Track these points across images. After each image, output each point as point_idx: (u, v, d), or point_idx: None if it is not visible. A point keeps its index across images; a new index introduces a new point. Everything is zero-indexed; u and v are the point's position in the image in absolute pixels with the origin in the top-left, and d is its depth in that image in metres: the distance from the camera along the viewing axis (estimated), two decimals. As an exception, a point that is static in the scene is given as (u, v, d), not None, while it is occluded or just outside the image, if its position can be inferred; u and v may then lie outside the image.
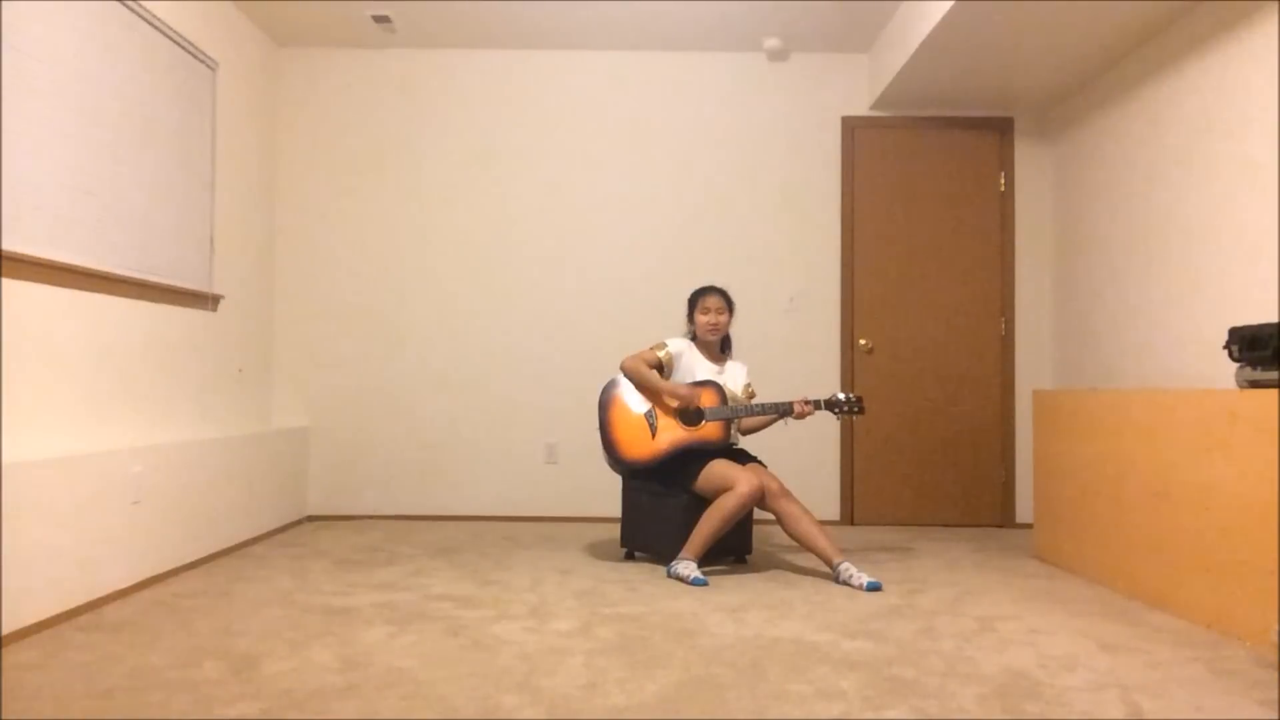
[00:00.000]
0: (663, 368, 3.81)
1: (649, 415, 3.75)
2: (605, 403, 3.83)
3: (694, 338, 3.92)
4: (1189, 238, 3.75)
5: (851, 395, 3.73)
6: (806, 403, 3.67)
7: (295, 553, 4.01)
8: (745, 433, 3.88)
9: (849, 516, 5.02)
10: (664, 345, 3.84)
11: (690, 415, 3.72)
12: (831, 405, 3.70)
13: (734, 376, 3.88)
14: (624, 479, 3.92)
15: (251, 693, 2.18)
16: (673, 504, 3.70)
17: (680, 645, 2.60)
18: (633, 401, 3.79)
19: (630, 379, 3.81)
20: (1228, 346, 2.93)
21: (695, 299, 3.90)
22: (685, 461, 3.68)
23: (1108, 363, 4.41)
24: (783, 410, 3.69)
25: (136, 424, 3.57)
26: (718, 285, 3.93)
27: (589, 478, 4.99)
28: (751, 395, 3.90)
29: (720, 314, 3.84)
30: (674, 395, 3.70)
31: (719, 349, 3.93)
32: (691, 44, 5.01)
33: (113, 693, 2.18)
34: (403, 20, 4.72)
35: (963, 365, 5.05)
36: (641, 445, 3.74)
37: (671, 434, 3.72)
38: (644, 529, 3.84)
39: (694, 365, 3.84)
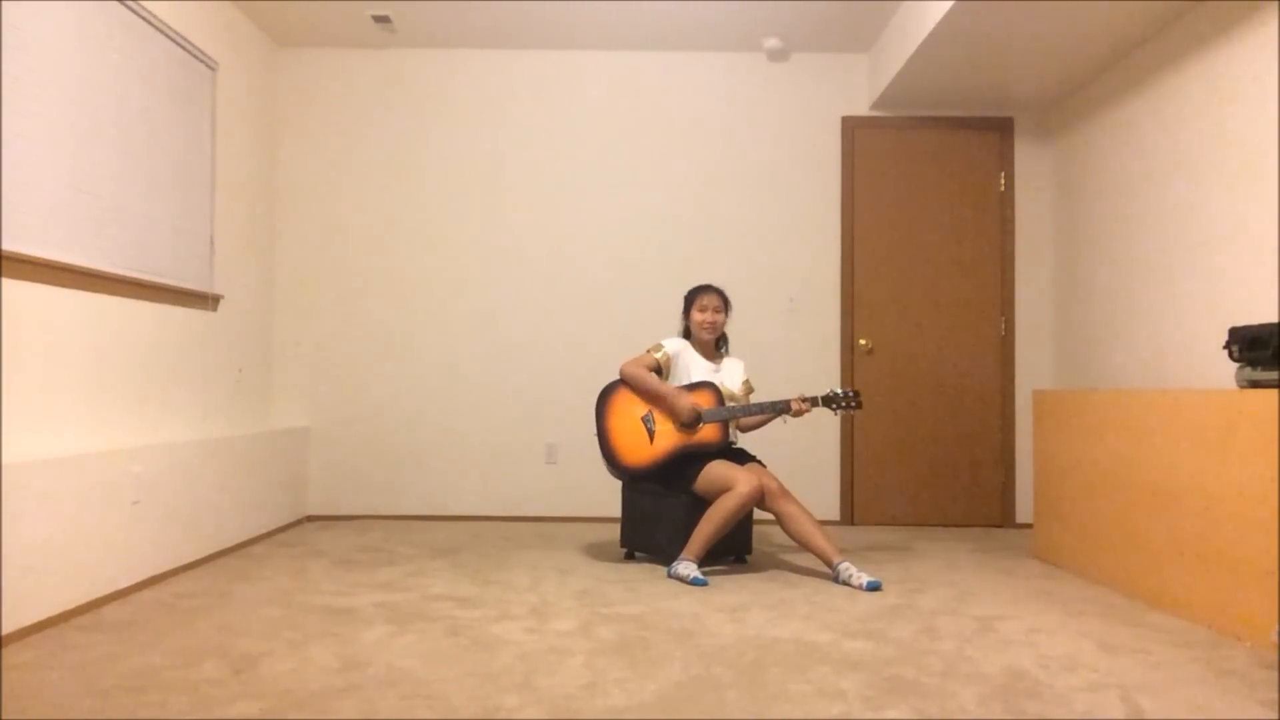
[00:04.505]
0: (661, 369, 3.81)
1: (646, 420, 3.75)
2: (602, 410, 3.82)
3: (688, 335, 3.92)
4: (1189, 238, 3.75)
5: (849, 390, 3.73)
6: (803, 400, 3.67)
7: (295, 553, 4.01)
8: (744, 430, 3.88)
9: (849, 516, 5.02)
10: (660, 347, 3.84)
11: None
12: (828, 401, 3.70)
13: (731, 374, 3.88)
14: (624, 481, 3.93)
15: (251, 693, 2.18)
16: (673, 504, 3.70)
17: (680, 645, 2.60)
18: (629, 407, 3.79)
19: (631, 384, 3.80)
20: (1228, 346, 2.93)
21: (692, 297, 3.89)
22: (685, 463, 3.68)
23: (1108, 363, 4.41)
24: (779, 408, 3.69)
25: (136, 424, 3.57)
26: (714, 284, 3.93)
27: (589, 478, 4.99)
28: (750, 391, 3.90)
29: (717, 313, 3.84)
30: (674, 404, 3.70)
31: (715, 346, 3.93)
32: (691, 44, 5.01)
33: (113, 693, 2.17)
34: (403, 20, 4.72)
35: (963, 365, 5.05)
36: (640, 450, 3.73)
37: (670, 438, 3.71)
38: (644, 529, 3.84)
39: (691, 364, 3.84)
